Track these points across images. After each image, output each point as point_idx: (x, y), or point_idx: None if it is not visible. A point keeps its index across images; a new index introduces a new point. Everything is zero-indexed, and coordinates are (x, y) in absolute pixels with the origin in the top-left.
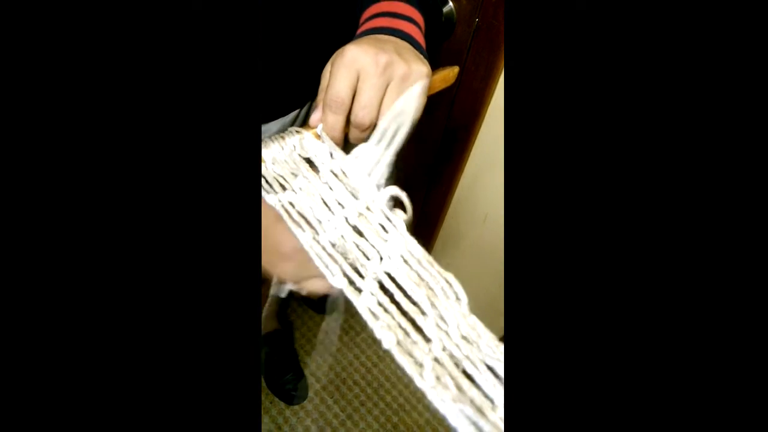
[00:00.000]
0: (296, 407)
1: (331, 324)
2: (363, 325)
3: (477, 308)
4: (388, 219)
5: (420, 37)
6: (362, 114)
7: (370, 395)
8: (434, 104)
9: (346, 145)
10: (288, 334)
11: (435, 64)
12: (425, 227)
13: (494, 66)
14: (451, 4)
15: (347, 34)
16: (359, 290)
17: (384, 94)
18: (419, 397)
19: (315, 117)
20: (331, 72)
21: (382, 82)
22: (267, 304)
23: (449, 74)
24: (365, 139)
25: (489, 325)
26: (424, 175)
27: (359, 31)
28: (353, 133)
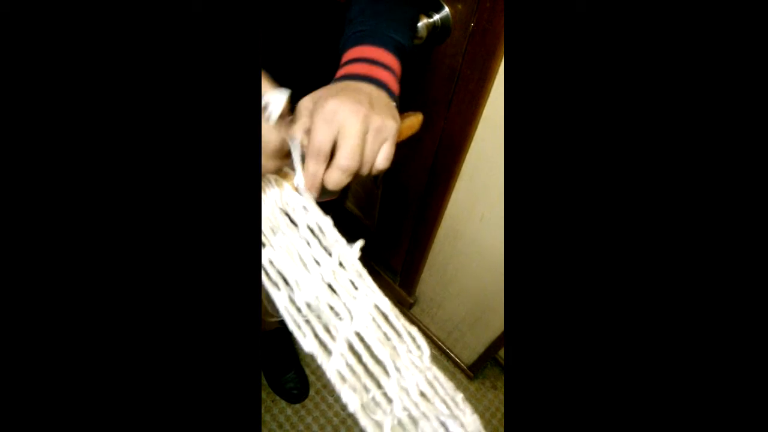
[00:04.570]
0: (297, 406)
1: None
2: None
3: (474, 305)
4: (359, 275)
5: (394, 84)
6: (346, 162)
7: None
8: (431, 109)
9: (322, 193)
10: (289, 333)
11: (428, 70)
12: (424, 227)
13: (489, 70)
14: (446, 9)
15: (334, 48)
16: (329, 352)
17: (365, 143)
18: None
19: (298, 134)
20: (313, 123)
21: (362, 132)
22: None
23: (414, 122)
24: (343, 184)
25: (485, 322)
26: (423, 177)
27: (339, 73)
28: (335, 176)
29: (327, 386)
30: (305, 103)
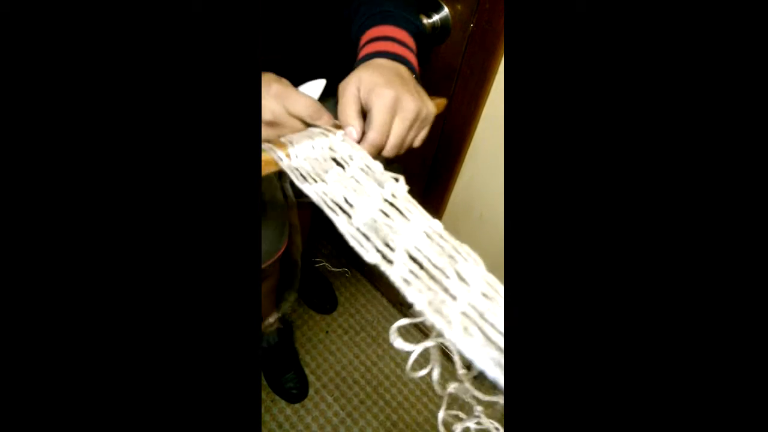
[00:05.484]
0: (297, 405)
1: None
2: (363, 326)
3: None
4: (410, 201)
5: (416, 64)
6: (393, 148)
7: (370, 394)
8: None
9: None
10: (288, 333)
11: (428, 70)
12: None
13: (489, 70)
14: (446, 9)
15: (346, 45)
16: (391, 262)
17: (411, 129)
18: (418, 395)
19: (354, 121)
20: (377, 109)
21: (413, 122)
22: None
23: (441, 106)
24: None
25: None
26: (423, 176)
27: (369, 49)
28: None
29: (326, 386)
30: (351, 89)
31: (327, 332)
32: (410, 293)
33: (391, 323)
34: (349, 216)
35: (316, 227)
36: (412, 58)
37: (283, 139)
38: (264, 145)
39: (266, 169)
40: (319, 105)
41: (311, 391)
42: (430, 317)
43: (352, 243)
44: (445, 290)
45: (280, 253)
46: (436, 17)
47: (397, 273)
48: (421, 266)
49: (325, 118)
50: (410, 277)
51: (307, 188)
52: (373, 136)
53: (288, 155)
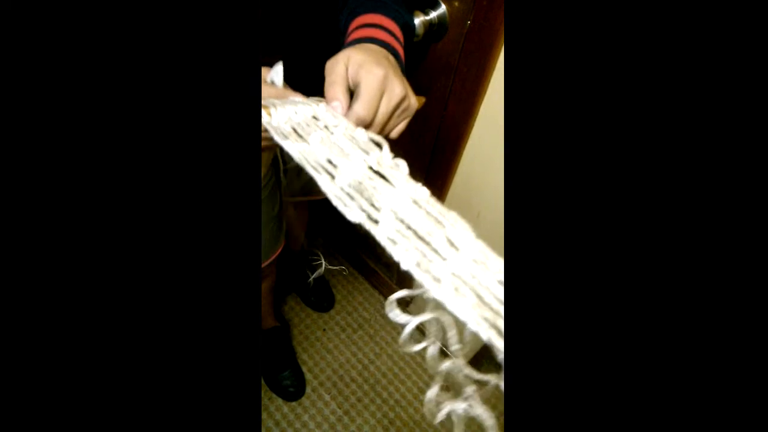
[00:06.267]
0: (294, 404)
1: None
2: (360, 324)
3: None
4: (397, 170)
5: (403, 56)
6: (378, 125)
7: (367, 392)
8: (427, 106)
9: None
10: (285, 332)
11: (425, 67)
12: None
13: (486, 67)
14: (443, 6)
15: (334, 38)
16: (376, 222)
17: (392, 116)
18: (415, 393)
19: (341, 97)
20: (366, 85)
21: (395, 107)
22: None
23: (420, 101)
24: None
25: None
26: (419, 175)
27: (358, 34)
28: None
29: (323, 384)
30: (339, 67)
31: (324, 330)
32: (397, 252)
33: (389, 321)
34: (333, 177)
35: (313, 225)
36: (400, 49)
37: (265, 102)
38: None
39: None
40: (284, 90)
41: (308, 389)
42: (419, 276)
43: (335, 202)
44: (434, 251)
45: (277, 253)
46: (433, 14)
47: (382, 233)
48: (409, 227)
49: (294, 97)
50: (397, 237)
51: (288, 145)
52: (360, 109)
53: (270, 114)
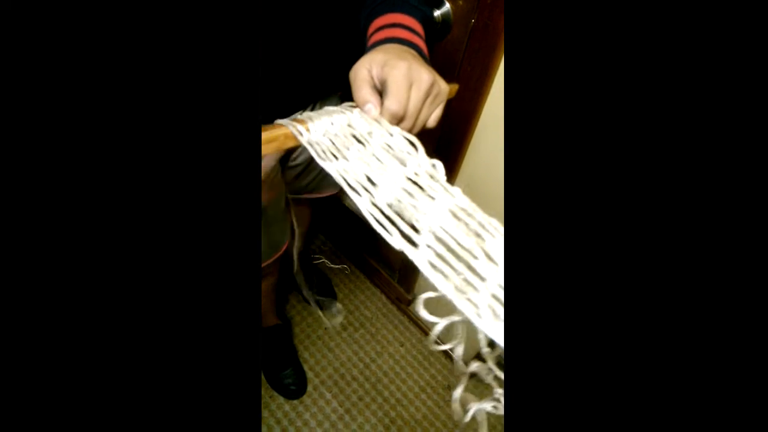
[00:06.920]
0: (295, 402)
1: None
2: (362, 322)
3: None
4: (434, 179)
5: (427, 53)
6: (411, 117)
7: (368, 390)
8: None
9: None
10: (287, 330)
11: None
12: None
13: (490, 66)
14: (447, 5)
15: (350, 39)
16: (416, 245)
17: (425, 103)
18: (417, 392)
19: (371, 98)
20: (394, 81)
21: (426, 95)
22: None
23: (453, 90)
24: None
25: None
26: None
27: (380, 35)
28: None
29: (324, 383)
30: (362, 72)
31: (326, 329)
32: (435, 279)
33: (390, 320)
34: (372, 195)
35: (315, 224)
36: (422, 44)
37: (301, 116)
38: (283, 120)
39: (286, 144)
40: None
41: (310, 388)
42: (457, 303)
43: (377, 228)
44: (473, 270)
45: (281, 252)
46: (437, 12)
47: (422, 257)
48: (448, 248)
49: (329, 107)
50: (436, 261)
51: (327, 166)
52: (391, 104)
53: (308, 129)
